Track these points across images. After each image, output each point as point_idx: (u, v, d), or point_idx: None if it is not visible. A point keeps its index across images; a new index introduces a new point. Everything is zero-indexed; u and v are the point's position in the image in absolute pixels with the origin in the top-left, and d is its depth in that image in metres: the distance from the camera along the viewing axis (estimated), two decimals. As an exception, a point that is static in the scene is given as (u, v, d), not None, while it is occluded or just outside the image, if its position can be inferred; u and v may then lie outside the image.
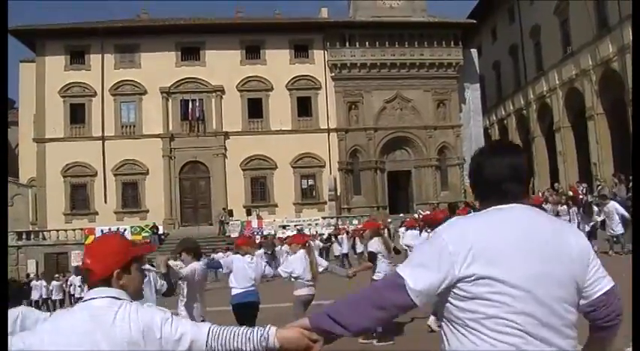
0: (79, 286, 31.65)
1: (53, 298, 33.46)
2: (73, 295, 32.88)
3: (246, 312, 9.58)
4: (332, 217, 44.97)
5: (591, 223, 20.22)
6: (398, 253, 12.90)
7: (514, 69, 52.65)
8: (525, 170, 2.60)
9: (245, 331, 2.65)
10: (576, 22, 41.27)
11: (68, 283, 34.30)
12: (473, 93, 52.09)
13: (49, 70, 47.28)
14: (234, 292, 9.97)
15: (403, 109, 49.72)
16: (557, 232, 2.43)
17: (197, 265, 8.29)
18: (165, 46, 47.61)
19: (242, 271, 9.91)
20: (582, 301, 2.43)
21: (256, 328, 2.66)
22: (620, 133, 36.67)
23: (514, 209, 2.47)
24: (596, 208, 21.29)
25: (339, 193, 47.44)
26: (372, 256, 11.43)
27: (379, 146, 48.94)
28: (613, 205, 19.52)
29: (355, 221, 42.27)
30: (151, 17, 52.45)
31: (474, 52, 53.21)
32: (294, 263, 10.86)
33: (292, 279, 10.87)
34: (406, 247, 18.61)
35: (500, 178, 2.55)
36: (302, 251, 11.00)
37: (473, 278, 2.29)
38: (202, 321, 7.12)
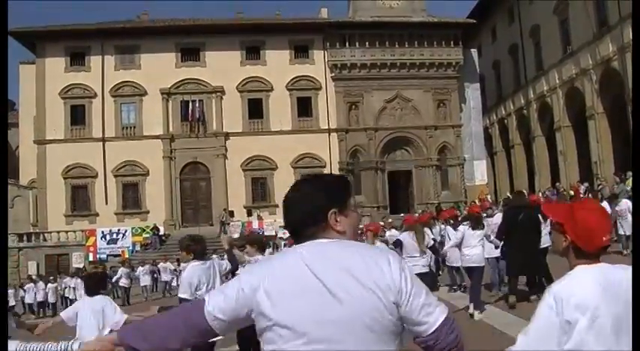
0: (74, 288, 31.08)
1: (49, 301, 32.90)
2: (68, 297, 32.30)
3: None
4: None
5: None
6: None
7: (514, 68, 52.60)
8: (314, 206, 2.44)
9: (50, 346, 2.63)
10: (576, 21, 41.24)
11: (63, 285, 33.77)
12: (473, 93, 52.11)
13: (49, 72, 47.27)
14: None
15: (403, 109, 49.73)
16: (363, 265, 2.29)
17: (261, 258, 8.41)
18: (166, 47, 47.59)
19: None
20: (415, 335, 2.35)
21: (62, 343, 2.62)
22: (621, 132, 36.66)
23: (304, 248, 2.38)
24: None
25: (339, 194, 47.29)
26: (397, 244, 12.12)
27: (380, 146, 48.95)
28: (626, 204, 19.18)
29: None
30: (150, 18, 52.39)
31: (473, 51, 53.26)
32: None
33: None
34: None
35: (293, 220, 2.50)
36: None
37: (259, 316, 2.28)
38: None
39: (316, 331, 2.20)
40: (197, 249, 7.92)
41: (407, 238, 12.59)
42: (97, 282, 7.30)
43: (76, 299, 25.72)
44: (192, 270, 7.78)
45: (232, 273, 8.60)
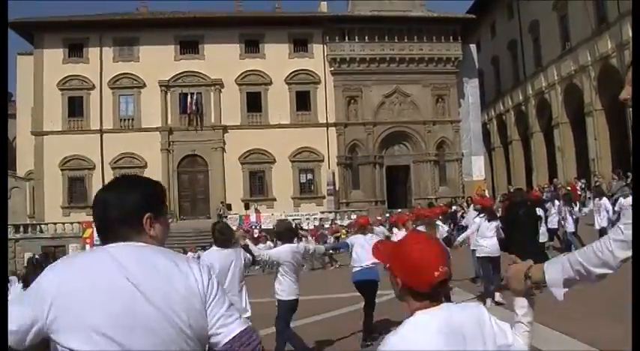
0: None
1: None
2: None
3: (367, 288, 10.36)
4: (330, 212, 45.02)
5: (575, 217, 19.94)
6: None
7: (513, 64, 52.62)
8: (131, 207, 2.36)
9: None
10: (575, 18, 41.23)
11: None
12: (472, 88, 52.09)
13: (47, 63, 47.21)
14: (355, 270, 10.57)
15: (402, 103, 49.73)
16: (176, 270, 2.27)
17: (288, 247, 8.93)
18: (165, 40, 47.50)
19: (362, 250, 10.27)
20: (211, 346, 2.32)
21: None
22: (619, 129, 36.63)
23: (115, 248, 2.29)
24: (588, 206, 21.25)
25: (337, 188, 47.45)
26: None
27: (378, 141, 48.96)
28: (605, 202, 19.46)
29: (354, 216, 42.29)
30: (150, 10, 52.30)
31: (472, 47, 53.20)
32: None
33: None
34: None
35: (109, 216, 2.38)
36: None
37: (55, 320, 2.13)
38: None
39: (123, 334, 2.12)
40: (219, 238, 7.96)
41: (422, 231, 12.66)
42: None
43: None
44: (210, 254, 8.00)
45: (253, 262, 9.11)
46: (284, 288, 8.73)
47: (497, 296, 12.20)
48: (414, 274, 2.36)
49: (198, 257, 22.66)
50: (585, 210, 22.16)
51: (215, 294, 2.32)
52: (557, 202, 20.59)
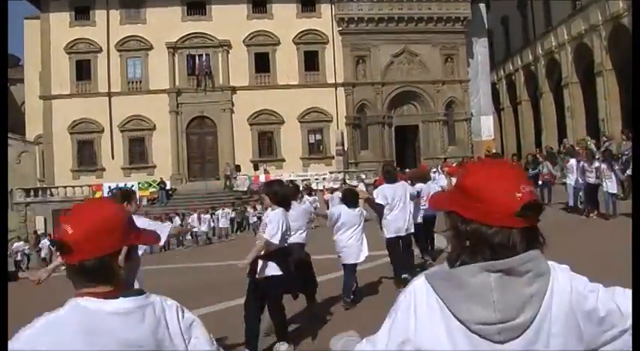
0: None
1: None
2: (45, 258, 32.73)
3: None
4: (339, 172, 45.03)
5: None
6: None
7: (522, 24, 52.06)
8: None
9: None
10: (586, -25, 40.75)
11: (39, 245, 34.04)
12: (481, 48, 51.75)
13: (54, 27, 47.03)
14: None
15: (411, 63, 49.44)
16: None
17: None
18: (171, 1, 47.22)
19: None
20: None
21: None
22: (630, 89, 36.37)
23: None
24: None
25: (346, 148, 47.42)
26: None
27: (387, 101, 48.79)
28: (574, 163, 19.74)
29: (363, 175, 42.31)
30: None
31: (482, 6, 52.67)
32: None
33: None
34: None
35: None
36: None
37: None
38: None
39: None
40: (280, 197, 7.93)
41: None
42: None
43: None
44: (277, 214, 7.72)
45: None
46: None
47: None
48: (489, 203, 1.80)
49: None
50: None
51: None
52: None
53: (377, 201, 10.78)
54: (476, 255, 1.82)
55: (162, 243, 10.77)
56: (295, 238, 8.86)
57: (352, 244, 9.71)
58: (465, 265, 1.82)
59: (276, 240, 7.44)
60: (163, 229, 7.12)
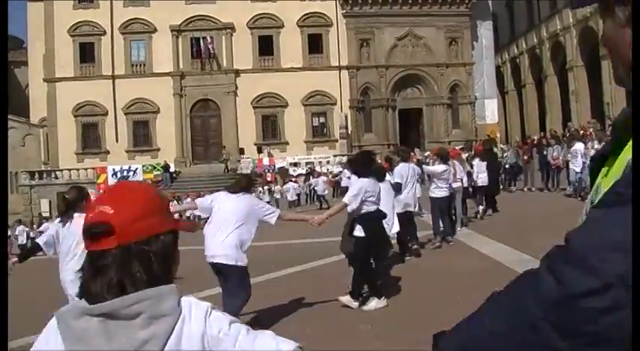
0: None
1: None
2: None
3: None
4: (343, 155, 44.93)
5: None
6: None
7: (527, 7, 51.97)
8: None
9: None
10: (592, -44, 40.50)
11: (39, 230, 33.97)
12: (485, 31, 51.53)
13: (58, 10, 46.94)
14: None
15: (415, 46, 49.31)
16: None
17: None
18: (175, -17, 47.09)
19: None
20: None
21: None
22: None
23: None
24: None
25: (350, 131, 47.38)
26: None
27: (390, 84, 48.70)
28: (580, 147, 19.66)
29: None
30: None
31: (487, -12, 52.48)
32: None
33: None
34: None
35: None
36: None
37: None
38: None
39: None
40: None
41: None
42: None
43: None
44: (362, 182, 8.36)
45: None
46: None
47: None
48: None
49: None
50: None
51: None
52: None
53: (395, 180, 11.81)
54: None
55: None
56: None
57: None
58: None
59: (354, 204, 8.12)
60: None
